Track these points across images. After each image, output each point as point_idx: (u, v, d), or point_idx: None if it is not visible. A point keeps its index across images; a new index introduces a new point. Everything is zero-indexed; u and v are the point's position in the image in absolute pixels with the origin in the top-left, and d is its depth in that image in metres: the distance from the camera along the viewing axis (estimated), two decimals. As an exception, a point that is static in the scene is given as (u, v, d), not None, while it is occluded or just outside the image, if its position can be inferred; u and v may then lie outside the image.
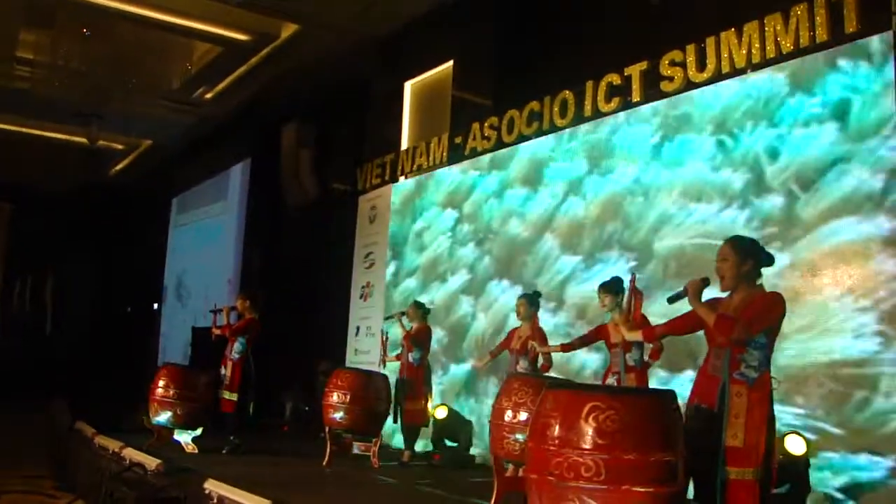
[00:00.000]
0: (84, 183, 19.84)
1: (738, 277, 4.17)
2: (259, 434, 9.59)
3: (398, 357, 8.64)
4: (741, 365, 3.99)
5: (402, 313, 8.66)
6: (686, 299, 4.23)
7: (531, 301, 7.29)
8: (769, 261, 4.24)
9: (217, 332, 8.75)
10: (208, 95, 14.60)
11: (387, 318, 9.25)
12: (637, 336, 4.96)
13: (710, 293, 4.24)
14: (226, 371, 8.44)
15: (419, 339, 8.48)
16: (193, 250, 18.34)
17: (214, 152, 16.71)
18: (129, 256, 20.10)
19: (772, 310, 4.09)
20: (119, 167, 19.71)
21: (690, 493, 3.94)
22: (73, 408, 10.53)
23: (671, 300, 4.38)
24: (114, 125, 16.51)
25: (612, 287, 6.27)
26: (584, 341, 6.63)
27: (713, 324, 4.08)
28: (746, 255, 4.17)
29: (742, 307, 4.10)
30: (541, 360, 7.14)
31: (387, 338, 9.05)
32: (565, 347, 6.80)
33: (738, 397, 3.96)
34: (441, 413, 8.92)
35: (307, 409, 11.04)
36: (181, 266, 19.07)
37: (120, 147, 18.49)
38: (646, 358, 6.15)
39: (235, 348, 8.44)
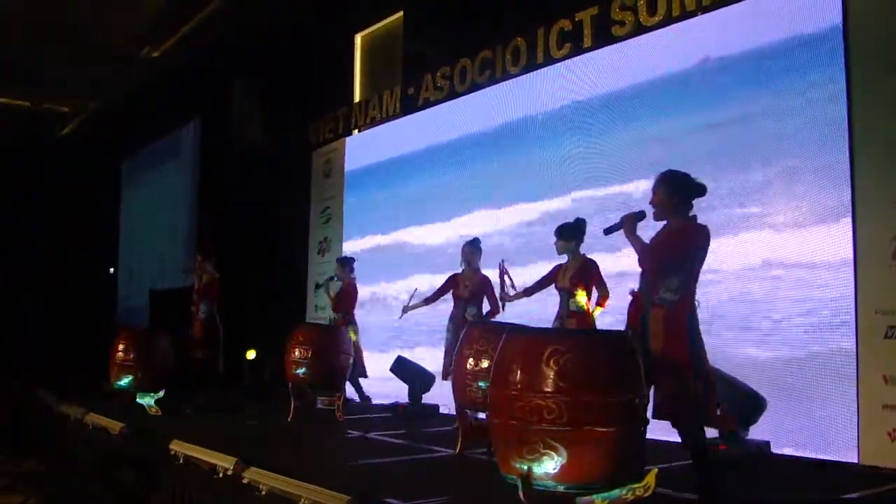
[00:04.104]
0: (31, 148, 19.43)
1: (668, 210, 4.32)
2: (225, 392, 9.55)
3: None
4: (660, 290, 4.19)
5: (331, 278, 8.61)
6: (622, 231, 4.42)
7: (475, 247, 7.27)
8: (700, 191, 4.37)
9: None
10: (155, 54, 14.28)
11: (317, 289, 9.12)
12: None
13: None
14: (194, 332, 8.48)
15: (343, 297, 8.49)
16: (148, 211, 18.07)
17: (164, 112, 16.40)
18: (82, 221, 19.84)
19: (690, 239, 4.27)
20: (66, 130, 19.28)
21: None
22: (32, 374, 10.44)
23: (607, 231, 4.57)
24: (58, 87, 16.12)
25: (564, 232, 6.29)
26: (541, 284, 6.58)
27: (638, 253, 4.31)
28: (676, 188, 4.32)
29: (666, 237, 4.29)
30: (486, 307, 7.16)
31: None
32: (528, 291, 6.70)
33: (655, 320, 4.18)
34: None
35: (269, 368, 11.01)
36: (136, 228, 18.81)
37: (66, 110, 18.08)
38: (592, 306, 6.14)
39: (202, 309, 8.50)
